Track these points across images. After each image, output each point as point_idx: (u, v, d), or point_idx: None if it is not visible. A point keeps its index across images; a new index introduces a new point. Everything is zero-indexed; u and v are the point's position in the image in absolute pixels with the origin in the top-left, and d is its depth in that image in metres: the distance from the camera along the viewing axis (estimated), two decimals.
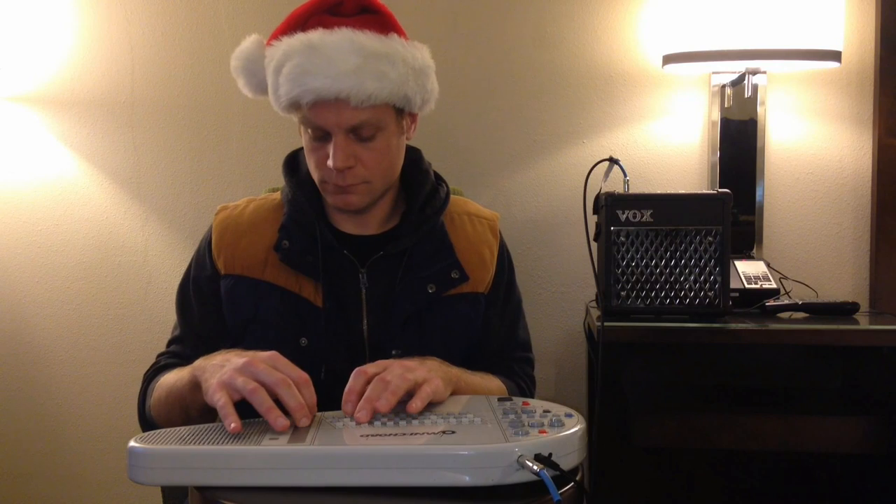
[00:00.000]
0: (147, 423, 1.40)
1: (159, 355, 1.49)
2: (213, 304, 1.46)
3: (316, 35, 1.33)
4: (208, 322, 1.47)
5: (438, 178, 1.53)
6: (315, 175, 1.42)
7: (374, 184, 1.41)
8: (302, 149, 1.51)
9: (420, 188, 1.47)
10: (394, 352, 1.39)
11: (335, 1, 1.36)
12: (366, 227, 1.48)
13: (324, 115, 1.33)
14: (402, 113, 1.41)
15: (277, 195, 1.52)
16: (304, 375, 1.14)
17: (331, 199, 1.42)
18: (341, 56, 1.30)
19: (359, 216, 1.47)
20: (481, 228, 1.53)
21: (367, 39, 1.33)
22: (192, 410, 1.26)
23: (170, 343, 1.51)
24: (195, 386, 1.21)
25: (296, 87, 1.32)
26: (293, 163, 1.51)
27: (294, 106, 1.36)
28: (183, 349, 1.47)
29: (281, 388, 1.10)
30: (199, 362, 1.23)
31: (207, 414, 1.25)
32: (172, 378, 1.31)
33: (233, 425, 1.08)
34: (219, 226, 1.49)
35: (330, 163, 1.35)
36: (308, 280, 1.41)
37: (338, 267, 1.43)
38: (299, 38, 1.33)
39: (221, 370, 1.14)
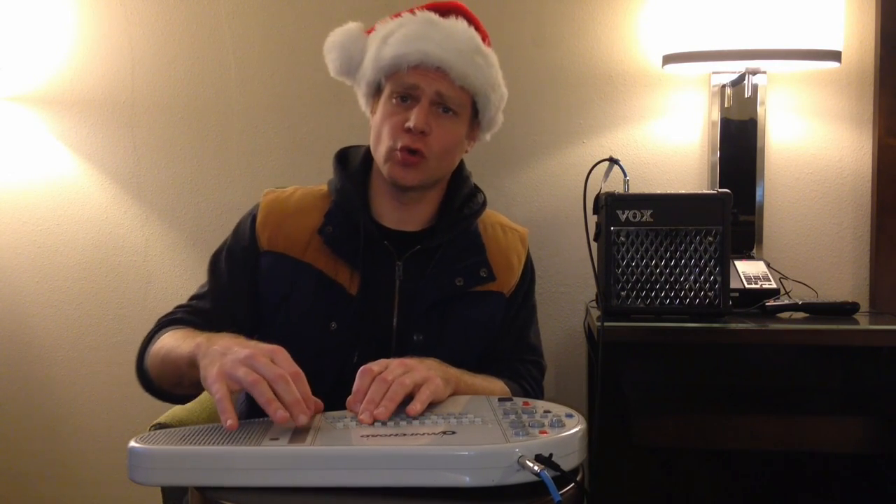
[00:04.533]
0: (142, 371, 1.43)
1: (177, 307, 1.51)
2: (243, 274, 1.51)
3: (433, 15, 1.47)
4: (234, 288, 1.51)
5: (477, 187, 1.61)
6: (384, 144, 1.47)
7: (431, 162, 1.46)
8: (352, 147, 1.60)
9: (459, 190, 1.56)
10: (416, 337, 1.46)
11: (441, 10, 1.50)
12: (406, 223, 1.53)
13: (420, 76, 1.44)
14: (475, 118, 1.53)
15: (324, 186, 1.58)
16: (298, 371, 1.15)
17: (390, 169, 1.46)
18: (455, 34, 1.45)
19: (402, 209, 1.52)
20: (512, 238, 1.60)
21: (476, 34, 1.48)
22: (185, 380, 1.29)
23: (192, 298, 1.54)
24: (192, 363, 1.22)
25: (405, 46, 1.43)
26: (344, 158, 1.59)
27: (394, 67, 1.44)
28: (204, 304, 1.50)
29: (278, 383, 1.11)
30: (202, 341, 1.23)
31: (198, 387, 1.27)
32: (174, 341, 1.33)
33: (229, 422, 1.09)
34: (267, 205, 1.54)
35: (410, 123, 1.43)
36: (345, 266, 1.47)
37: (375, 257, 1.48)
38: (418, 14, 1.47)
39: (223, 358, 1.15)
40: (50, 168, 2.35)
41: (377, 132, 1.49)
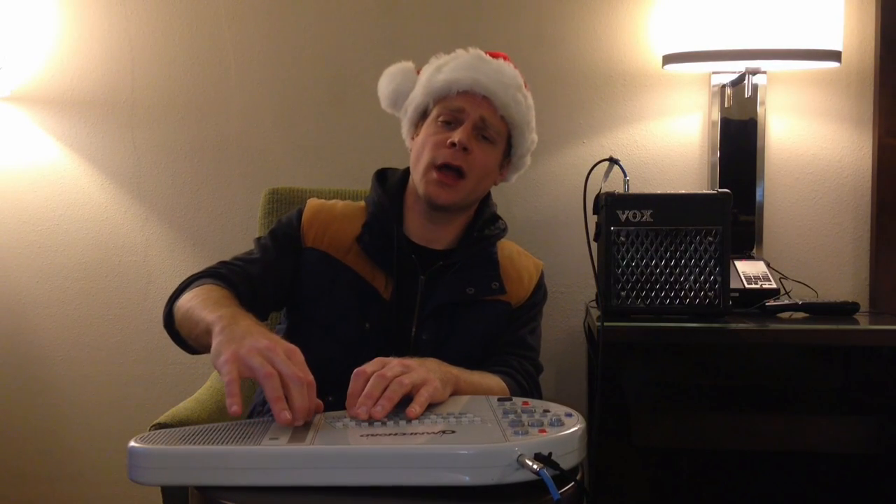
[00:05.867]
0: (170, 312, 1.47)
1: (221, 262, 1.57)
2: (286, 256, 1.59)
3: (484, 53, 1.62)
4: (278, 265, 1.58)
5: (498, 216, 1.71)
6: (424, 160, 1.57)
7: (469, 183, 1.56)
8: (390, 168, 1.70)
9: (482, 214, 1.66)
10: (424, 336, 1.54)
11: (490, 54, 1.64)
12: (433, 241, 1.62)
13: (467, 101, 1.57)
14: (507, 154, 1.64)
15: (361, 203, 1.68)
16: (311, 379, 1.16)
17: (426, 186, 1.56)
18: (502, 70, 1.60)
19: (431, 228, 1.61)
20: (526, 261, 1.70)
21: (519, 76, 1.62)
22: (198, 342, 1.35)
23: (237, 258, 1.59)
24: (208, 331, 1.26)
25: (458, 73, 1.57)
26: (382, 176, 1.69)
27: (444, 90, 1.58)
28: (252, 269, 1.55)
29: (293, 382, 1.13)
30: (226, 314, 1.27)
31: (207, 350, 1.29)
32: (202, 301, 1.37)
33: (234, 408, 1.09)
34: (312, 207, 1.64)
35: (455, 137, 1.54)
36: (381, 274, 1.57)
37: (404, 269, 1.58)
38: (470, 51, 1.62)
39: (241, 342, 1.16)
40: (50, 168, 2.35)
41: (418, 152, 1.59)
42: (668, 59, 2.05)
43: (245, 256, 1.60)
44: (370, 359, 1.46)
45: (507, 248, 1.69)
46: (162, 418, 1.70)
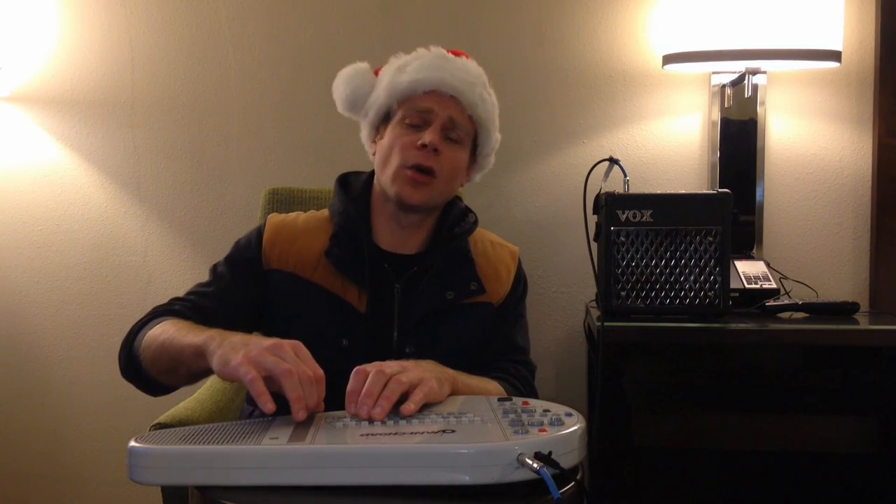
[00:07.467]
0: (130, 354, 1.41)
1: (174, 299, 1.50)
2: (246, 283, 1.53)
3: (446, 52, 1.57)
4: (237, 294, 1.52)
5: (468, 209, 1.67)
6: (393, 164, 1.52)
7: (440, 184, 1.52)
8: (352, 173, 1.65)
9: (449, 213, 1.62)
10: (407, 349, 1.49)
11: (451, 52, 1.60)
12: (403, 247, 1.57)
13: (435, 101, 1.53)
14: (473, 153, 1.60)
15: (325, 211, 1.62)
16: (320, 372, 1.16)
17: (398, 188, 1.51)
18: (467, 68, 1.56)
19: (400, 233, 1.57)
20: (502, 252, 1.64)
21: (483, 73, 1.58)
22: (182, 369, 1.30)
23: (190, 293, 1.53)
24: (199, 353, 1.22)
25: (422, 73, 1.53)
26: (345, 183, 1.63)
27: (410, 91, 1.53)
28: (207, 303, 1.49)
29: (304, 381, 1.12)
30: (215, 334, 1.23)
31: (194, 378, 1.29)
32: (178, 330, 1.32)
33: (269, 405, 1.09)
34: (274, 225, 1.58)
35: (425, 139, 1.50)
36: (353, 286, 1.51)
37: (377, 278, 1.53)
38: (432, 49, 1.57)
39: (246, 347, 1.16)
40: (50, 168, 2.35)
41: (385, 154, 1.54)
42: (668, 59, 2.05)
43: (198, 289, 1.52)
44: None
45: (481, 241, 1.63)
46: (162, 418, 1.70)
